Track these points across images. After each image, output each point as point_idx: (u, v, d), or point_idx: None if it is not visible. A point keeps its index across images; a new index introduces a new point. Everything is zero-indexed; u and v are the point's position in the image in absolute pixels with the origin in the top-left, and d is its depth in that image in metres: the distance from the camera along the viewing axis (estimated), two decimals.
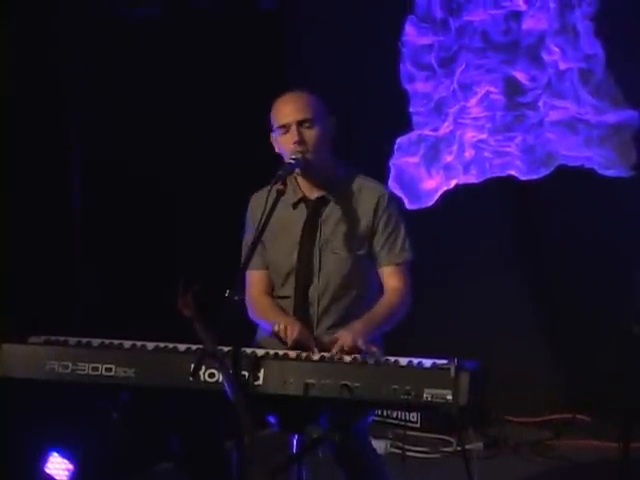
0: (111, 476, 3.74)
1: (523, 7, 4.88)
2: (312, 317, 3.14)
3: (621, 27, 4.62)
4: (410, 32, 5.13)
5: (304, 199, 3.21)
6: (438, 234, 4.85)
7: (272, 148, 3.22)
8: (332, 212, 3.18)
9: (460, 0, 5.01)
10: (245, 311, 3.15)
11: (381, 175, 4.76)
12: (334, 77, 5.03)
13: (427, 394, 2.53)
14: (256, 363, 2.67)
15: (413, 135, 5.15)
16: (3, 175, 4.02)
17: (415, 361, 2.66)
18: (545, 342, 5.00)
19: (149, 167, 4.48)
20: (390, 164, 5.15)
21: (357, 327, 2.94)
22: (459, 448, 4.41)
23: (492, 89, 4.96)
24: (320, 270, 3.15)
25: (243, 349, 2.66)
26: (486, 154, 5.02)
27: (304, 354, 2.79)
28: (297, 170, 3.11)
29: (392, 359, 2.70)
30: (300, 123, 3.10)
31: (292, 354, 2.78)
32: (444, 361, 2.58)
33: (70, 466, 3.75)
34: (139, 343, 2.85)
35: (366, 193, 3.19)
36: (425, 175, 5.13)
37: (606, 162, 4.73)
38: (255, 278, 3.25)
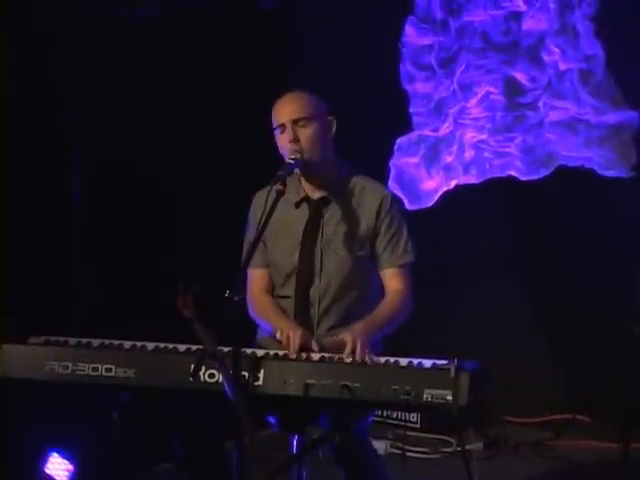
0: (111, 476, 3.74)
1: (523, 7, 4.88)
2: (313, 317, 3.13)
3: (621, 27, 4.62)
4: (410, 32, 5.14)
5: (306, 199, 3.21)
6: (438, 234, 4.85)
7: (272, 148, 3.22)
8: (334, 212, 3.18)
9: (460, 0, 5.01)
10: (245, 311, 3.15)
11: (381, 175, 4.76)
12: (334, 77, 5.03)
13: (427, 394, 2.53)
14: (256, 363, 2.67)
15: (413, 135, 5.15)
16: (3, 175, 4.02)
17: (415, 361, 2.66)
18: (545, 342, 5.00)
19: (149, 167, 4.48)
20: (390, 164, 5.15)
21: (358, 328, 2.93)
22: (459, 448, 4.41)
23: (492, 89, 4.97)
24: (321, 270, 3.14)
25: (243, 349, 2.66)
26: (486, 154, 5.03)
27: (304, 354, 2.79)
28: (297, 170, 3.11)
29: (392, 359, 2.70)
30: (295, 122, 3.11)
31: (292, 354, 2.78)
32: (444, 361, 2.58)
33: (70, 466, 3.74)
34: (139, 343, 2.85)
35: (368, 194, 3.19)
36: (425, 175, 5.13)
37: (606, 162, 4.73)
38: (256, 276, 3.25)
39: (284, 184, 2.96)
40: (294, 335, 2.91)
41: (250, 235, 3.23)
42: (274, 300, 3.22)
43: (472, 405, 2.51)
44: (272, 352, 2.78)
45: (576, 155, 4.80)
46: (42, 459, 3.74)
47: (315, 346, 2.90)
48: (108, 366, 2.77)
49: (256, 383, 2.65)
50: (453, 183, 5.09)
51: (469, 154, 5.06)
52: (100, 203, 4.37)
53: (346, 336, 2.86)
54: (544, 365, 4.98)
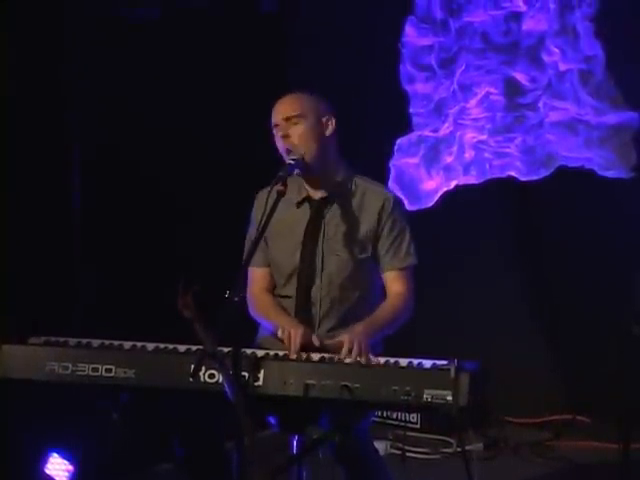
0: (111, 476, 3.74)
1: (523, 8, 4.88)
2: (314, 318, 3.13)
3: (621, 28, 4.62)
4: (410, 33, 5.14)
5: (308, 199, 3.21)
6: (438, 235, 4.85)
7: (272, 148, 3.22)
8: (335, 213, 3.17)
9: (460, 1, 5.01)
10: (246, 311, 3.15)
11: (381, 176, 4.77)
12: (334, 78, 5.03)
13: (427, 395, 2.53)
14: (256, 364, 2.66)
15: (413, 136, 5.16)
16: (3, 175, 4.02)
17: (415, 362, 2.66)
18: (545, 342, 5.00)
19: (149, 167, 4.48)
20: (390, 165, 5.15)
21: (358, 329, 2.93)
22: (459, 449, 4.41)
23: (492, 90, 4.97)
24: (323, 270, 3.14)
25: (243, 350, 2.65)
26: (486, 155, 5.03)
27: (304, 355, 2.79)
28: (297, 171, 3.10)
29: (392, 360, 2.70)
30: (287, 120, 3.11)
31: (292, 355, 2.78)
32: (444, 362, 2.58)
33: (70, 467, 3.74)
34: (139, 344, 2.85)
35: (371, 196, 3.18)
36: (425, 176, 5.13)
37: (606, 163, 4.74)
38: (257, 275, 3.24)
39: (285, 185, 2.95)
40: (295, 333, 2.91)
41: (252, 233, 3.23)
42: (275, 299, 3.22)
43: (472, 405, 2.51)
44: (272, 352, 2.78)
45: (576, 156, 4.80)
46: (42, 459, 3.74)
47: (316, 340, 2.90)
48: (108, 366, 2.77)
49: (256, 383, 2.65)
50: (453, 183, 5.09)
51: (469, 154, 5.06)
52: (100, 203, 4.37)
53: (344, 337, 2.86)
54: (544, 365, 4.98)
